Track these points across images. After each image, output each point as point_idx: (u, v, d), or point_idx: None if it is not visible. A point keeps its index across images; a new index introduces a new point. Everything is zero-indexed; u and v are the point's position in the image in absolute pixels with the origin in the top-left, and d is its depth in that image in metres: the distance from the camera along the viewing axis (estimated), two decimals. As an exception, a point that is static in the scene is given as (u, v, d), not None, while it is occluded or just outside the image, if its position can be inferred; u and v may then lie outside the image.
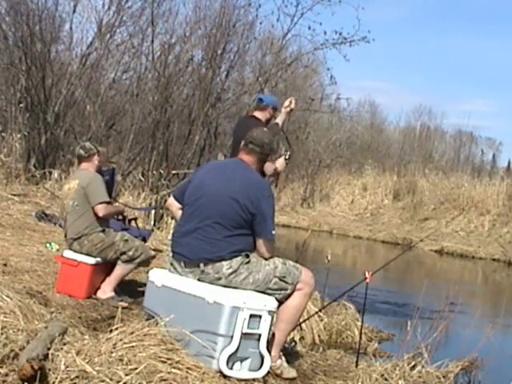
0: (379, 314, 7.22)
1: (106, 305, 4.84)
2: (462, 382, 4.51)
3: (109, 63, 14.40)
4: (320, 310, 5.40)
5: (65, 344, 3.16)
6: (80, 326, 3.98)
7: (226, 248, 3.57)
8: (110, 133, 14.31)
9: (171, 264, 3.75)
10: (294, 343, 4.51)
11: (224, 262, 3.56)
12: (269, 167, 5.31)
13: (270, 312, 3.45)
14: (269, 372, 3.52)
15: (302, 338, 5.22)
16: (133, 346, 3.19)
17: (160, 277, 3.71)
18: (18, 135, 11.99)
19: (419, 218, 19.27)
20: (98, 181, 5.02)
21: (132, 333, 3.29)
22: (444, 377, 4.12)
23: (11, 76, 13.06)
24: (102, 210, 4.94)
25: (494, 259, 15.11)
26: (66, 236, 5.16)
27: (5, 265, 5.41)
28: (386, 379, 3.86)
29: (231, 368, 3.33)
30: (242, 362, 3.38)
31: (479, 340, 4.68)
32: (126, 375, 2.96)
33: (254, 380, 3.41)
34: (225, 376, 3.30)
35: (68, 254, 4.99)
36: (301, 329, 5.22)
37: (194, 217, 3.66)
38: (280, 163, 5.08)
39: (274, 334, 3.65)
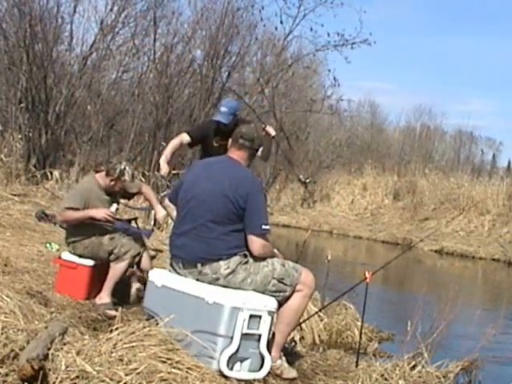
0: (379, 314, 7.20)
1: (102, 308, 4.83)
2: (462, 382, 4.50)
3: (110, 63, 14.40)
4: (320, 310, 5.40)
5: (65, 344, 3.16)
6: (80, 326, 3.98)
7: (223, 246, 3.58)
8: (111, 133, 14.31)
9: (171, 265, 3.77)
10: (294, 343, 4.51)
11: (222, 262, 3.56)
12: None
13: (269, 312, 3.45)
14: (269, 372, 3.52)
15: (302, 337, 5.21)
16: (133, 346, 3.19)
17: (160, 277, 3.72)
18: (19, 135, 11.99)
19: (419, 218, 19.25)
20: (72, 189, 4.94)
21: (132, 333, 3.30)
22: (444, 377, 4.12)
23: (12, 76, 13.06)
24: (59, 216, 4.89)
25: (493, 259, 15.08)
26: None
27: (5, 265, 5.41)
28: (386, 379, 3.86)
29: (231, 369, 3.33)
30: (242, 362, 3.38)
31: (479, 340, 4.67)
32: (126, 375, 2.96)
33: (254, 380, 3.41)
34: (225, 376, 3.30)
35: (66, 256, 4.98)
36: (301, 329, 5.21)
37: (187, 219, 3.67)
38: None
39: (274, 334, 3.66)
